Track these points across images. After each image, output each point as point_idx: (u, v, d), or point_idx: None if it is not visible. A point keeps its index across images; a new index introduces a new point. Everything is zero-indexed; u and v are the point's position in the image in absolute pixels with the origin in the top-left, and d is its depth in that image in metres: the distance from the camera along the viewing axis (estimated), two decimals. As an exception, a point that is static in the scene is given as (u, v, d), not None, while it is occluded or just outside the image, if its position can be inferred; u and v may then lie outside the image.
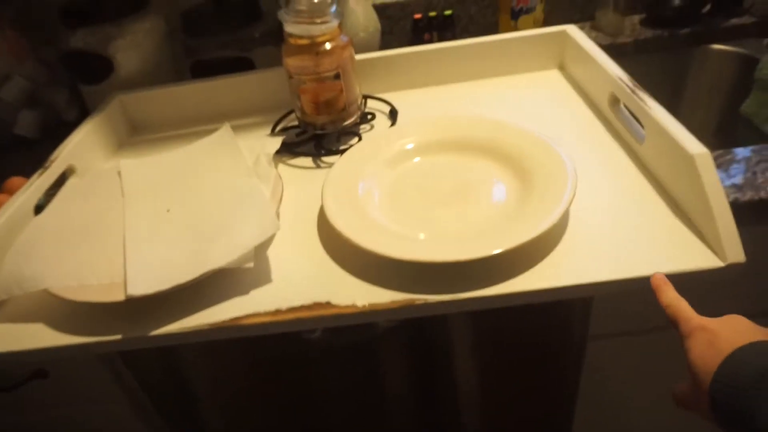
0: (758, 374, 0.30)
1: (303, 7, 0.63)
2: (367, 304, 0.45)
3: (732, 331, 0.33)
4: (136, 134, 0.82)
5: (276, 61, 0.70)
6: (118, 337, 0.47)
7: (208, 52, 0.89)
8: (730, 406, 0.31)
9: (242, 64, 0.88)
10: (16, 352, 0.48)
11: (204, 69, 0.88)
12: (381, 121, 0.74)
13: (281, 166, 0.68)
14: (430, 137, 0.62)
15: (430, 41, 0.97)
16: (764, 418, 0.29)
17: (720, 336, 0.33)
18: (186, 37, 0.90)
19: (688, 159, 0.46)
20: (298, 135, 0.71)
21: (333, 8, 0.64)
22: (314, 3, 0.63)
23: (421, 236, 0.49)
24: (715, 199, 0.44)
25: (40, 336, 0.49)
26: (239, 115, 0.79)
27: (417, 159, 0.61)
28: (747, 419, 0.30)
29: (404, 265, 0.45)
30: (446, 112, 0.72)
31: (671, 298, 0.38)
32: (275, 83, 0.77)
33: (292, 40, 0.65)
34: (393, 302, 0.45)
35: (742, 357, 0.31)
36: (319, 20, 0.63)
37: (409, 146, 0.61)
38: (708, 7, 0.95)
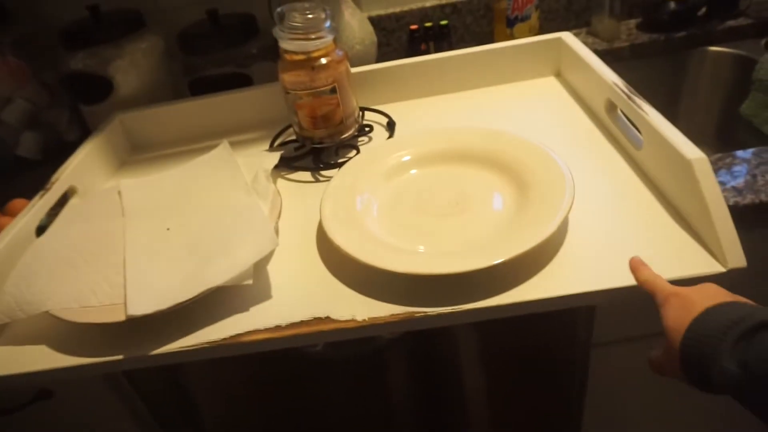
0: (724, 326, 0.32)
1: (298, 24, 0.64)
2: (366, 318, 0.45)
3: (704, 296, 0.35)
4: (137, 153, 0.83)
5: (274, 77, 0.71)
6: (120, 357, 0.47)
7: (206, 69, 0.89)
8: (697, 357, 0.33)
9: (240, 80, 0.88)
10: (19, 374, 0.48)
11: (202, 86, 0.89)
12: (379, 132, 0.74)
13: (280, 181, 0.68)
14: (427, 149, 0.62)
15: (427, 52, 0.98)
16: (725, 363, 0.31)
17: (693, 300, 0.35)
18: (184, 55, 0.91)
19: (686, 164, 0.46)
20: (296, 149, 0.72)
21: (327, 23, 0.64)
22: (309, 19, 0.64)
23: (421, 248, 0.49)
24: (714, 205, 0.44)
25: (43, 358, 0.49)
26: (238, 131, 0.79)
27: (415, 171, 0.61)
28: (710, 366, 0.32)
29: (404, 277, 0.45)
30: (444, 123, 0.72)
31: (647, 274, 0.40)
32: (273, 98, 0.77)
33: (287, 56, 0.66)
34: (393, 315, 0.45)
35: (710, 314, 0.33)
36: (313, 36, 0.64)
37: (407, 158, 0.62)
38: (704, 9, 0.95)
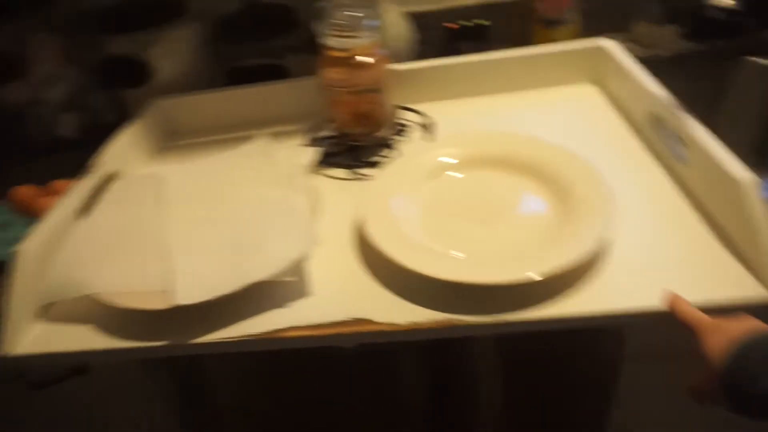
0: (766, 350, 0.34)
1: (342, 21, 0.64)
2: (408, 323, 0.45)
3: (742, 326, 0.37)
4: (174, 139, 0.83)
5: (311, 70, 0.71)
6: (161, 343, 0.48)
7: (244, 59, 0.90)
8: (739, 381, 0.34)
9: (277, 72, 0.89)
10: (60, 353, 0.50)
11: (239, 76, 0.89)
12: (415, 133, 0.74)
13: (316, 177, 0.68)
14: (468, 152, 0.62)
15: (464, 51, 0.97)
16: (764, 384, 0.32)
17: (732, 328, 0.37)
18: (222, 44, 0.91)
19: (733, 185, 0.46)
20: (333, 146, 0.72)
21: (372, 22, 0.64)
22: (353, 17, 0.64)
23: (460, 255, 0.49)
24: (762, 227, 0.43)
25: (85, 339, 0.50)
26: (274, 123, 0.79)
27: (454, 174, 0.61)
28: (753, 389, 0.33)
29: (443, 284, 0.46)
30: (479, 125, 0.72)
31: (684, 307, 0.42)
32: (310, 92, 0.77)
33: (330, 53, 0.66)
34: (434, 322, 0.45)
35: (752, 341, 0.35)
36: (357, 34, 0.64)
37: (447, 161, 0.62)
38: (750, 18, 0.93)
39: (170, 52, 0.89)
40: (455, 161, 0.61)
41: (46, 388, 0.63)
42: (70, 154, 0.79)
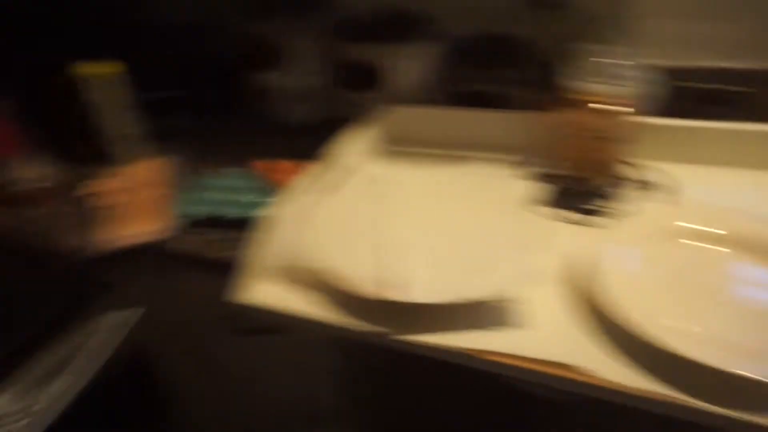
0: None
1: (593, 67, 0.64)
2: (636, 387, 0.43)
3: None
4: (394, 145, 0.88)
5: (533, 104, 0.71)
6: (367, 329, 0.51)
7: (469, 83, 0.94)
8: None
9: (499, 101, 0.91)
10: (275, 311, 0.56)
11: (462, 98, 0.93)
12: (644, 190, 0.69)
13: (535, 212, 0.68)
14: (709, 224, 0.57)
15: (711, 116, 0.89)
16: None
17: None
18: (451, 67, 0.96)
19: None
20: (554, 184, 0.71)
21: (622, 71, 0.63)
22: (605, 64, 0.64)
23: (696, 329, 0.46)
24: None
25: (296, 304, 0.55)
26: (488, 150, 0.79)
27: (691, 242, 0.57)
28: None
29: (663, 354, 0.43)
30: (718, 197, 0.66)
31: None
32: (530, 126, 0.76)
33: (573, 95, 0.66)
34: (662, 395, 0.42)
35: None
36: (606, 81, 0.64)
37: (686, 226, 0.58)
38: None
39: (404, 66, 0.97)
40: (696, 228, 0.58)
41: (252, 336, 0.72)
42: (294, 141, 0.90)
